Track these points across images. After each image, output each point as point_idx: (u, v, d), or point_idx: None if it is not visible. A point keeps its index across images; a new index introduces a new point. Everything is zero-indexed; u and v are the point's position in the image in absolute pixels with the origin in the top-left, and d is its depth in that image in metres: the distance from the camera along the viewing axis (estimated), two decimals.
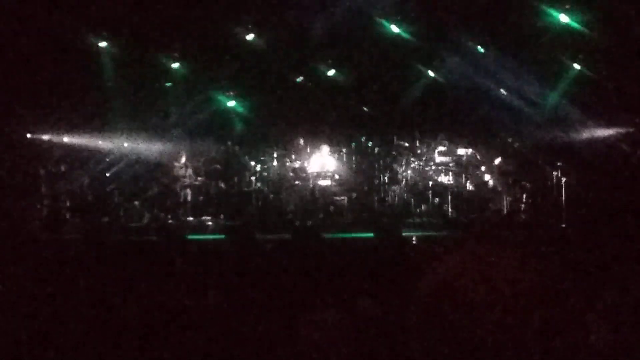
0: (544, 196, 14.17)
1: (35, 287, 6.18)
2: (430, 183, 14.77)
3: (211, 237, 12.59)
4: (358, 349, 4.35)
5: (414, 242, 9.32)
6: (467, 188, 14.77)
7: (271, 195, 15.05)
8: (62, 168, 14.89)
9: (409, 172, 15.24)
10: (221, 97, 16.16)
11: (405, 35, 14.40)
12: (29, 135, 15.10)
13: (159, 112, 15.95)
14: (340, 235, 11.70)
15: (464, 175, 14.87)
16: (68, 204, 14.49)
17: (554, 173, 13.96)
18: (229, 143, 15.98)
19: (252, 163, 15.64)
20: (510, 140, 15.86)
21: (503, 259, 4.04)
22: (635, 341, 4.32)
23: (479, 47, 14.78)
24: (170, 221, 14.13)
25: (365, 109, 16.51)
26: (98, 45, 14.30)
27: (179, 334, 5.08)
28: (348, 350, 4.34)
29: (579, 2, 13.11)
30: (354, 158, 15.79)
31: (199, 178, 15.16)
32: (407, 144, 15.74)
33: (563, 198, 13.48)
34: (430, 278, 3.98)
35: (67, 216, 14.27)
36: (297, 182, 14.91)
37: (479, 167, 15.27)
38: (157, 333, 5.11)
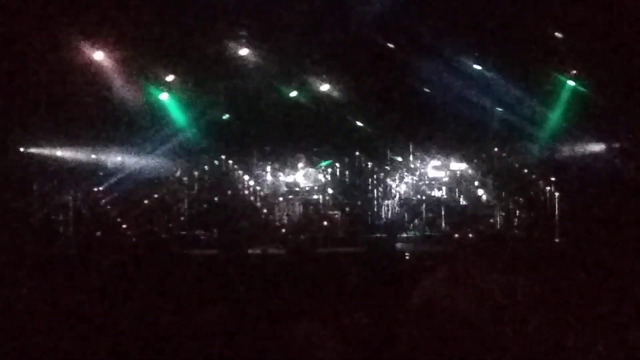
0: (538, 211, 14.17)
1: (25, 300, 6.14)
2: (424, 198, 14.73)
3: (204, 251, 12.55)
4: None
5: (407, 257, 9.31)
6: (461, 202, 14.75)
7: (264, 210, 15.02)
8: (55, 182, 14.82)
9: (402, 186, 15.23)
10: (215, 111, 16.17)
11: (399, 49, 14.46)
12: (22, 149, 15.08)
13: (152, 126, 15.93)
14: (334, 249, 11.68)
15: (457, 190, 14.86)
16: (61, 217, 14.39)
17: (548, 188, 13.98)
18: (223, 157, 15.99)
19: (246, 177, 15.63)
20: (504, 155, 15.89)
21: (494, 273, 4.04)
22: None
23: (473, 62, 14.84)
24: (163, 235, 14.05)
25: (358, 123, 16.54)
26: (93, 57, 14.26)
27: (174, 347, 5.06)
28: None
29: (573, 15, 13.12)
30: (347, 172, 15.81)
31: (192, 192, 15.14)
32: (400, 159, 15.75)
33: (556, 213, 13.48)
34: (421, 293, 3.97)
35: (60, 230, 14.18)
36: (290, 197, 14.88)
37: (472, 182, 15.23)
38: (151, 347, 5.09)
